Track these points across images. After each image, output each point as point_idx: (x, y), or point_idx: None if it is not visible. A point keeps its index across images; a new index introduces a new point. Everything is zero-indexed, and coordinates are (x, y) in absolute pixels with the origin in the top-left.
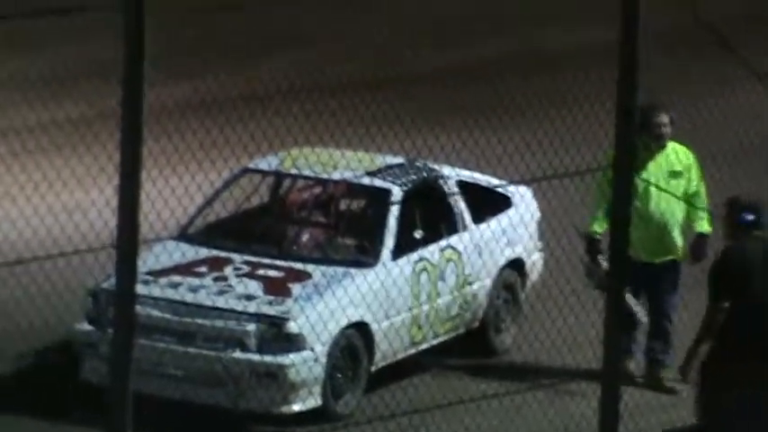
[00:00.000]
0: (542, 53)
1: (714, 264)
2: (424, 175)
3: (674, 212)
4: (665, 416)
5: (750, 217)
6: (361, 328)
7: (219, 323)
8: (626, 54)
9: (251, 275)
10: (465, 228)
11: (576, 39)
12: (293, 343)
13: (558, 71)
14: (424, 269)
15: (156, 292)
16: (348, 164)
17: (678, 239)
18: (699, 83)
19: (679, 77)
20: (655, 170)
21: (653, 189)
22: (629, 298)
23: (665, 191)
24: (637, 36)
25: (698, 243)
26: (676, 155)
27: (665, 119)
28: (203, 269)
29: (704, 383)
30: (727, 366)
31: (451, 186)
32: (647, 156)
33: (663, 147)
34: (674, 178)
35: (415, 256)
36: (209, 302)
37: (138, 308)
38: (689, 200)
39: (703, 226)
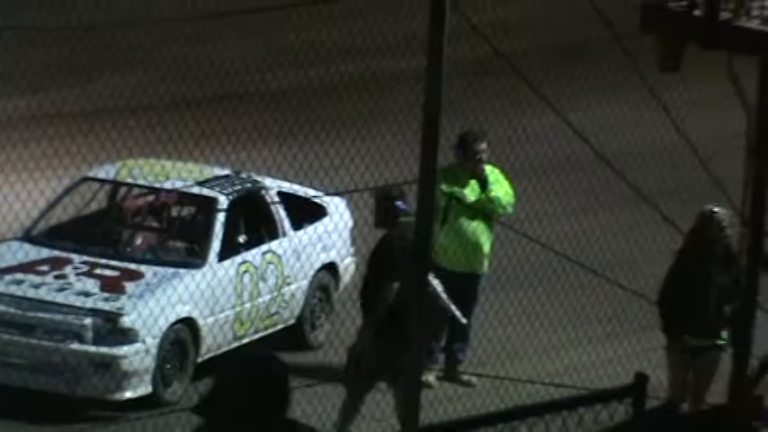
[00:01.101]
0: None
1: (376, 247)
2: (248, 185)
3: (487, 229)
4: (461, 404)
5: (403, 205)
6: (188, 323)
7: (59, 317)
8: (431, 82)
9: (89, 274)
10: (284, 234)
11: (405, 66)
12: (126, 336)
13: (377, 94)
14: (247, 271)
15: (0, 288)
16: (179, 174)
17: (486, 253)
18: (497, 108)
19: (479, 103)
20: (471, 191)
21: (468, 207)
22: (445, 300)
23: (480, 207)
24: (441, 65)
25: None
26: (492, 175)
27: (483, 145)
28: (45, 268)
29: None
30: None
31: (273, 196)
32: (465, 177)
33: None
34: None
35: (239, 258)
36: (49, 298)
37: None
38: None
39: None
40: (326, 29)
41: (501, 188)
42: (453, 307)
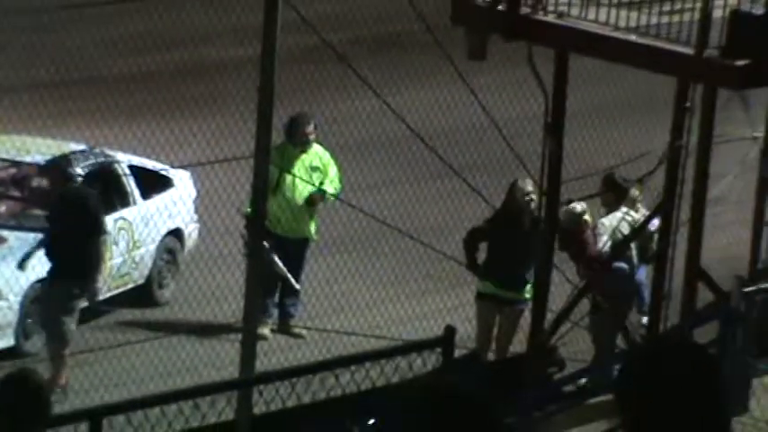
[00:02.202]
0: (205, 64)
1: None
2: (101, 159)
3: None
4: (292, 354)
5: None
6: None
7: None
8: (265, 68)
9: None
10: (135, 203)
11: (235, 54)
12: None
13: (215, 79)
14: None
15: None
16: (39, 149)
17: (312, 221)
18: (324, 92)
19: (309, 89)
20: (300, 167)
21: (297, 181)
22: (280, 265)
23: (306, 181)
24: (274, 53)
25: (316, 195)
26: (317, 154)
27: (309, 128)
28: None
29: None
30: None
31: (124, 169)
32: (295, 155)
33: (308, 149)
34: (314, 172)
35: None
36: None
37: None
38: (322, 189)
39: (329, 189)
40: (164, 19)
41: (331, 170)
42: (286, 273)
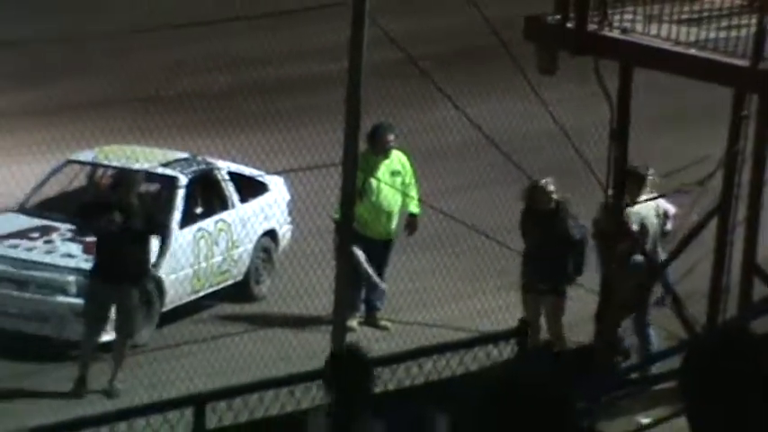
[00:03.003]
0: (298, 79)
1: None
2: (203, 166)
3: (395, 202)
4: (378, 345)
5: None
6: (154, 279)
7: (48, 274)
8: (352, 82)
9: (72, 239)
10: (233, 206)
11: (326, 69)
12: None
13: (307, 93)
14: (203, 236)
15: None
16: (147, 157)
17: (395, 223)
18: (407, 104)
19: (393, 101)
20: (382, 172)
21: (381, 185)
22: (366, 266)
23: (390, 185)
24: (360, 69)
25: (411, 221)
26: (398, 159)
27: (391, 137)
28: (36, 234)
29: None
30: None
31: (224, 175)
32: (378, 161)
33: (389, 156)
34: (395, 176)
35: (196, 226)
36: (40, 259)
37: None
38: (405, 191)
39: (414, 209)
40: (261, 38)
41: (407, 174)
42: (372, 273)
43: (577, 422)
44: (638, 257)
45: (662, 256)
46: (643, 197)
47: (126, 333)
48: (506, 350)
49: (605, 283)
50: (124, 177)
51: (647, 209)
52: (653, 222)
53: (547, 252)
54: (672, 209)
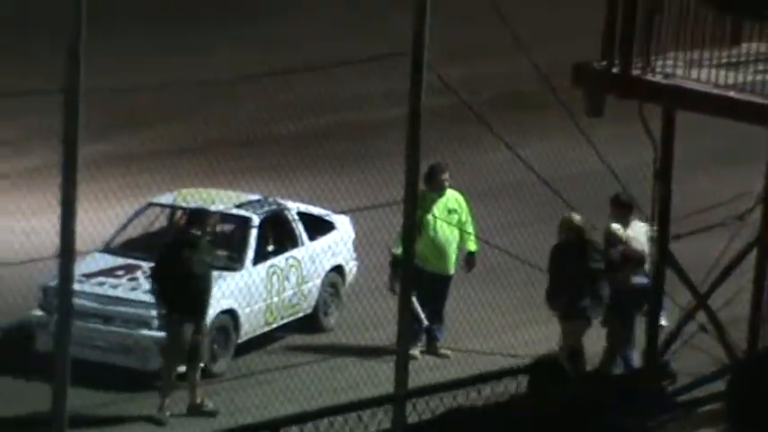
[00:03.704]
0: (360, 124)
1: None
2: (274, 207)
3: (452, 238)
4: (439, 372)
5: None
6: (230, 313)
7: (132, 310)
8: (412, 126)
9: (148, 277)
10: (302, 243)
11: (387, 114)
12: None
13: (369, 136)
14: (275, 272)
15: (87, 288)
16: (222, 199)
17: (453, 258)
18: (463, 146)
19: (450, 143)
20: (439, 209)
21: (438, 222)
22: (414, 304)
23: (446, 222)
24: (419, 113)
25: (469, 259)
26: (454, 198)
27: (446, 175)
28: (121, 272)
29: None
30: None
31: (293, 215)
32: (433, 199)
33: (444, 193)
34: (451, 214)
35: (268, 263)
36: (124, 295)
37: (75, 299)
38: (461, 228)
39: (471, 246)
40: (327, 85)
41: (463, 212)
42: (419, 309)
43: None
44: (642, 279)
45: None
46: (636, 221)
47: (198, 362)
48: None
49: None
50: (198, 216)
51: (640, 233)
52: (645, 245)
53: (577, 281)
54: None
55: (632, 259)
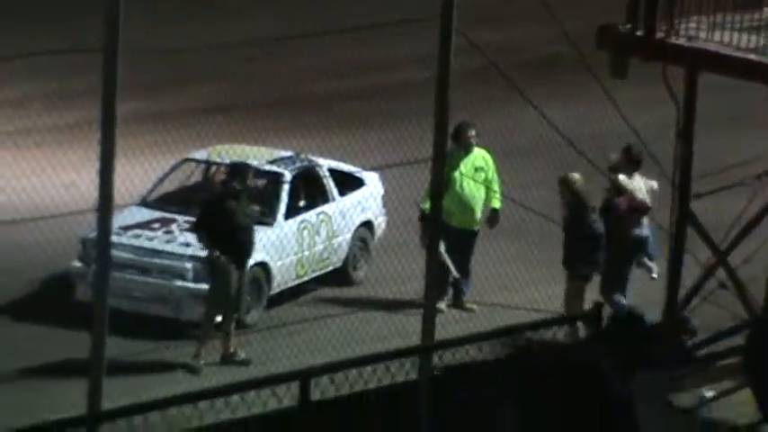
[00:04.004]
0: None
1: None
2: (306, 163)
3: (478, 195)
4: (464, 325)
5: None
6: (263, 265)
7: (167, 261)
8: (441, 86)
9: (189, 230)
10: (333, 199)
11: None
12: None
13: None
14: (306, 227)
15: (124, 240)
16: (255, 156)
17: (479, 214)
18: (490, 107)
19: (477, 103)
20: (465, 167)
21: (464, 179)
22: (445, 257)
23: (472, 179)
24: (447, 74)
25: (492, 215)
26: (481, 156)
27: (472, 133)
28: (157, 225)
29: None
30: None
31: (324, 171)
32: (461, 157)
33: (471, 151)
34: (478, 172)
35: (299, 218)
36: (160, 247)
37: (113, 251)
38: (487, 186)
39: (495, 203)
40: (360, 48)
41: (489, 169)
42: (450, 263)
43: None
44: (642, 231)
45: (646, 231)
46: (636, 175)
47: (235, 310)
48: (582, 330)
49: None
50: (238, 170)
51: (638, 185)
52: (644, 197)
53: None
54: (655, 184)
55: (638, 209)
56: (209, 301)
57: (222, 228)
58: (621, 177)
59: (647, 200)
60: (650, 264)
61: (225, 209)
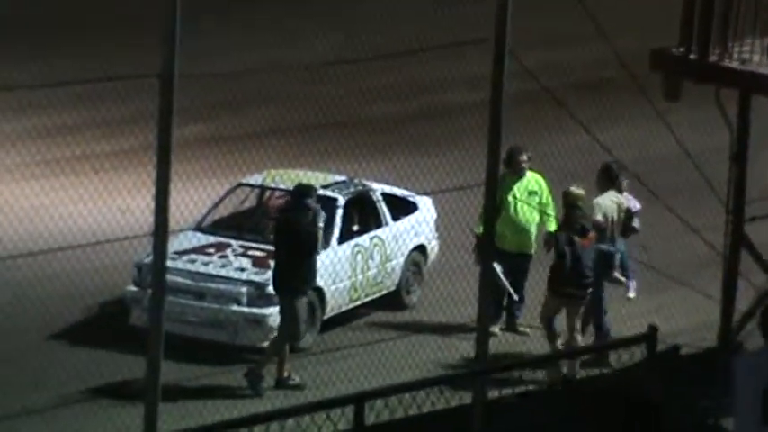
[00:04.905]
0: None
1: None
2: (360, 188)
3: (532, 219)
4: (517, 349)
5: None
6: (317, 290)
7: (222, 286)
8: (494, 111)
9: (244, 254)
10: (386, 224)
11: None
12: (272, 300)
13: (452, 120)
14: (359, 251)
15: (179, 265)
16: (309, 180)
17: (533, 237)
18: (543, 130)
19: (529, 125)
20: (519, 191)
21: (518, 203)
22: (502, 279)
23: (526, 203)
24: (501, 98)
25: (549, 238)
26: (534, 180)
27: (525, 157)
28: (211, 250)
29: None
30: None
31: (377, 196)
32: (514, 181)
33: (524, 175)
34: (531, 196)
35: (353, 242)
36: (215, 272)
37: (168, 276)
38: (541, 210)
39: (551, 227)
40: (411, 71)
41: (543, 193)
42: (507, 284)
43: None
44: (602, 246)
45: (621, 247)
46: (609, 193)
47: (293, 337)
48: (636, 354)
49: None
50: (304, 191)
51: (611, 203)
52: (614, 216)
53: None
54: (637, 205)
55: (596, 228)
56: (279, 330)
57: (292, 250)
58: (574, 189)
59: (615, 217)
60: (622, 278)
61: (293, 231)
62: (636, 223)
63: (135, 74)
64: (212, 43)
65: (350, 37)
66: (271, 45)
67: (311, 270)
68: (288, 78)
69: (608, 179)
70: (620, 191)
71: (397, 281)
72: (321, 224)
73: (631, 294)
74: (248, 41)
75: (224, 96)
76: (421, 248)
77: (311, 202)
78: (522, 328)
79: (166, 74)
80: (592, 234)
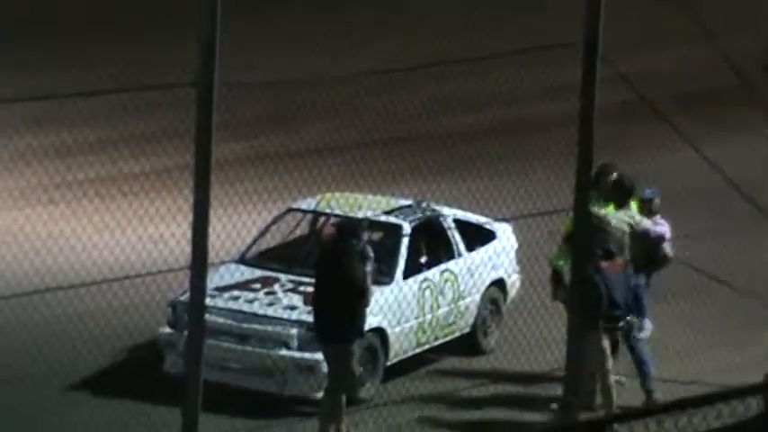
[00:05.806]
0: (522, 121)
1: None
2: (428, 213)
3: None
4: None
5: None
6: (379, 332)
7: (269, 327)
8: (583, 122)
9: (294, 290)
10: (460, 255)
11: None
12: None
13: (533, 135)
14: (428, 287)
15: (220, 303)
16: (369, 205)
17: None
18: (642, 147)
19: (623, 141)
20: (608, 212)
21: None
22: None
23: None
24: (592, 108)
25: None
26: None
27: (615, 176)
28: (257, 285)
29: None
30: None
31: (449, 223)
32: (603, 205)
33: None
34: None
35: (421, 276)
36: (261, 311)
37: (207, 316)
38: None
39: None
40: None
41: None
42: None
43: None
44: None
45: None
46: (626, 210)
47: (341, 391)
48: (752, 407)
49: None
50: (347, 229)
51: (621, 220)
52: (621, 232)
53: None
54: (668, 233)
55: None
56: (331, 381)
57: (335, 294)
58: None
59: (626, 238)
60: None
61: (335, 271)
62: (668, 249)
63: (167, 83)
64: (255, 50)
65: (409, 42)
66: (321, 53)
67: (359, 319)
68: (343, 88)
69: (621, 192)
70: (650, 212)
71: (471, 321)
72: (369, 268)
73: (643, 335)
74: (293, 51)
75: (270, 109)
76: (499, 283)
77: (358, 242)
78: (617, 377)
79: (204, 83)
80: (620, 259)
